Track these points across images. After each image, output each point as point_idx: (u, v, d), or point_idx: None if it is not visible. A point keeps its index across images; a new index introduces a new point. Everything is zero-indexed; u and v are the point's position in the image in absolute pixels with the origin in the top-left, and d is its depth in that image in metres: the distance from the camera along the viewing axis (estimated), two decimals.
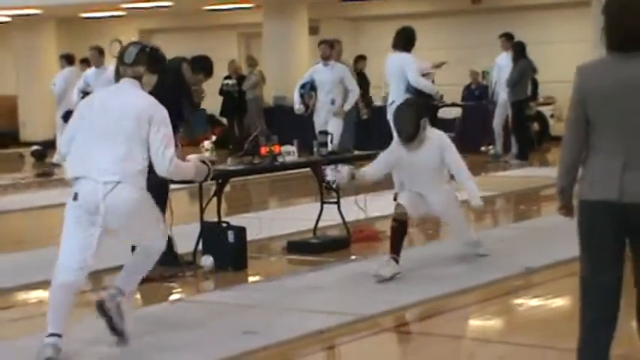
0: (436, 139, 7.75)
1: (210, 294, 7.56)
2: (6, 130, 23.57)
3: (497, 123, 16.76)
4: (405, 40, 11.51)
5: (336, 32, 21.78)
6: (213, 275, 8.07)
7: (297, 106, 12.73)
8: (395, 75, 11.47)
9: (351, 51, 20.39)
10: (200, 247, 8.33)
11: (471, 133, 17.10)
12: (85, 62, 19.63)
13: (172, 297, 7.56)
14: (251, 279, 8.08)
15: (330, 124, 12.16)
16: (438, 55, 20.65)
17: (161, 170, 5.74)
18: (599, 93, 4.12)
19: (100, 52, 16.05)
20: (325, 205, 9.23)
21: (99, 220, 5.60)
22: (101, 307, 5.86)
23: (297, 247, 8.98)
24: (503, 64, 16.33)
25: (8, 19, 22.86)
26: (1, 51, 24.48)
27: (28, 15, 22.27)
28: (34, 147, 20.30)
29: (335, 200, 9.10)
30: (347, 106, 12.65)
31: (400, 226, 7.57)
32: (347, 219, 9.22)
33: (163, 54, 6.09)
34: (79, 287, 5.77)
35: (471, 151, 17.05)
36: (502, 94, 16.41)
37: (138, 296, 7.75)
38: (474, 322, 6.70)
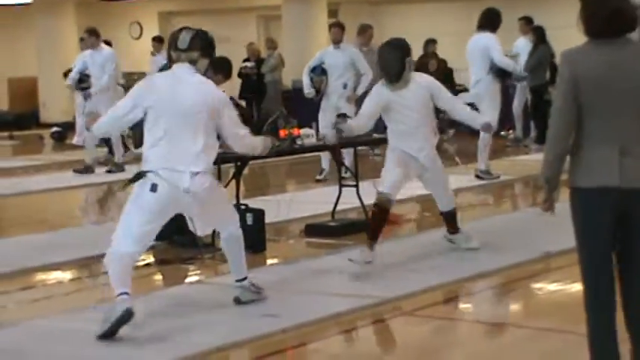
0: (424, 81, 7.56)
1: (228, 276, 7.51)
2: (26, 111, 23.65)
3: (516, 107, 16.71)
4: (491, 21, 11.71)
5: (355, 15, 21.74)
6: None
7: (307, 90, 12.47)
8: (479, 54, 11.88)
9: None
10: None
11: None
12: (106, 44, 19.68)
13: (191, 279, 7.57)
14: (269, 261, 8.07)
15: (343, 109, 11.54)
16: (457, 39, 20.64)
17: (240, 148, 6.29)
18: (592, 79, 4.06)
19: (96, 34, 15.97)
20: (344, 188, 9.21)
21: (177, 209, 6.01)
22: (239, 301, 6.32)
23: (316, 230, 8.96)
24: (522, 48, 16.24)
25: (30, 0, 22.90)
26: (22, 33, 24.52)
27: None
28: (54, 128, 20.34)
29: (354, 183, 9.07)
30: (360, 90, 12.11)
31: (381, 213, 7.34)
32: (365, 202, 9.18)
33: (212, 37, 6.19)
34: (137, 259, 6.13)
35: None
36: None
37: (157, 277, 7.79)
38: (493, 306, 6.68)
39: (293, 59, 19.87)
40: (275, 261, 8.10)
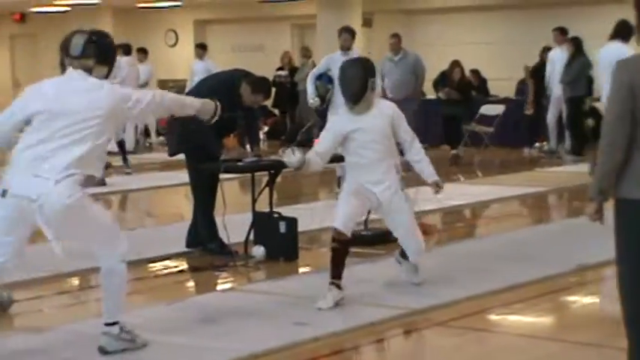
0: (387, 108, 6.94)
1: (261, 284, 7.55)
2: None
3: (550, 118, 16.60)
4: (626, 32, 11.53)
5: (389, 25, 21.71)
6: (264, 265, 8.06)
7: (311, 99, 11.81)
8: (608, 64, 11.47)
9: (404, 44, 20.29)
10: (252, 237, 8.34)
11: (511, 129, 17.02)
12: (142, 52, 19.81)
13: (223, 286, 7.57)
14: (301, 270, 8.06)
15: None
16: (491, 48, 20.58)
17: (166, 110, 5.72)
18: None
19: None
20: None
21: (33, 221, 5.19)
22: (104, 351, 5.51)
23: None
24: (556, 58, 16.14)
25: (68, 8, 23.08)
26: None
27: (87, 4, 22.46)
28: None
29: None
30: None
31: (342, 247, 6.76)
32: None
33: (112, 41, 5.60)
34: None
35: (512, 146, 16.99)
36: (556, 90, 16.23)
37: (190, 284, 7.80)
38: (525, 319, 6.62)
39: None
40: (307, 269, 8.09)
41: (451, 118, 15.99)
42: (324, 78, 11.16)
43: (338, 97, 10.76)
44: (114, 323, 5.49)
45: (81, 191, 5.21)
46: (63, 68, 5.45)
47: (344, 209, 6.81)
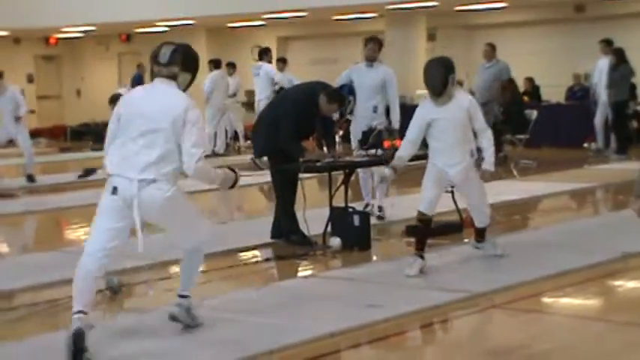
0: (465, 100, 7.22)
1: (338, 271, 7.57)
2: None
3: (598, 121, 16.37)
4: None
5: (451, 39, 21.60)
6: (340, 254, 8.08)
7: None
8: None
9: (465, 57, 20.15)
10: (329, 229, 8.36)
11: (545, 133, 16.67)
12: (231, 66, 19.97)
13: (304, 273, 7.61)
14: (374, 258, 8.06)
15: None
16: (544, 58, 20.33)
17: (188, 168, 5.23)
18: None
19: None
20: None
21: (132, 214, 5.19)
22: (175, 319, 5.60)
23: (415, 230, 8.89)
24: (603, 67, 15.93)
25: (167, 29, 23.36)
26: None
27: (183, 25, 22.71)
28: None
29: (450, 189, 9.00)
30: (395, 121, 9.56)
31: (425, 225, 7.22)
32: (460, 206, 9.10)
33: (196, 53, 5.62)
34: (100, 274, 5.29)
35: (545, 145, 16.63)
36: (602, 95, 16.02)
37: (274, 271, 7.85)
38: (576, 301, 6.55)
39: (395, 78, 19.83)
40: (379, 258, 8.08)
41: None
42: (344, 89, 9.51)
43: (359, 109, 9.55)
44: (186, 296, 5.59)
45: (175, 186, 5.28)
46: (152, 76, 5.48)
47: (427, 195, 7.23)
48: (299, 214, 8.38)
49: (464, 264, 7.47)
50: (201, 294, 6.70)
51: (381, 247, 8.48)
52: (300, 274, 7.62)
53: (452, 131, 7.13)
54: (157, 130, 5.20)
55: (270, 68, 17.15)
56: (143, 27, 23.43)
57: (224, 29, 24.29)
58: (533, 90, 18.99)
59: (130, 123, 5.27)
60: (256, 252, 8.33)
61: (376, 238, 8.57)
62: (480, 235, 7.67)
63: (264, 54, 17.55)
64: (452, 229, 8.90)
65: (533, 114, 15.78)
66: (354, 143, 9.61)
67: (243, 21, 23.10)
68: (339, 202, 8.52)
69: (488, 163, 7.25)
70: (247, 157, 14.62)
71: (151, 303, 6.58)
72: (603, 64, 15.96)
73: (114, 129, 5.37)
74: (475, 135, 7.26)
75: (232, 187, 5.63)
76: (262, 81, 16.94)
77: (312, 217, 8.32)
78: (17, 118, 13.56)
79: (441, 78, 7.06)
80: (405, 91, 18.37)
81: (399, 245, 8.67)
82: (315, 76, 12.38)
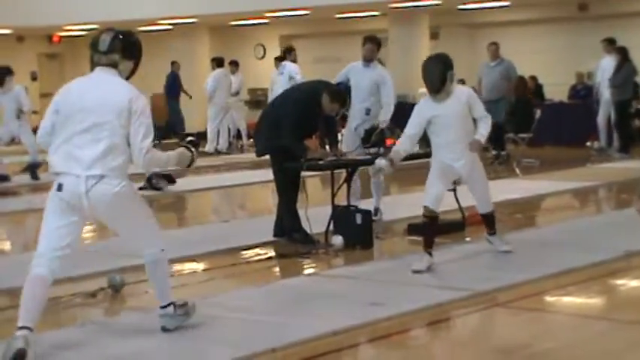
0: (463, 93, 7.26)
1: (340, 269, 7.57)
2: (165, 123, 24.12)
3: (601, 120, 16.36)
4: None
5: (454, 37, 21.58)
6: (343, 253, 8.08)
7: None
8: None
9: (468, 55, 20.14)
10: (331, 227, 8.36)
11: (548, 132, 16.61)
12: (234, 64, 19.97)
13: (307, 271, 7.60)
14: (376, 256, 8.05)
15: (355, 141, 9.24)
16: (547, 57, 20.31)
17: (137, 161, 5.07)
18: None
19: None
20: None
21: (81, 211, 5.04)
22: (166, 329, 5.48)
23: (418, 229, 8.88)
24: (606, 66, 15.91)
25: (170, 27, 23.38)
26: (163, 55, 25.02)
27: (186, 23, 22.73)
28: (189, 138, 20.63)
29: (452, 188, 8.98)
30: (381, 117, 9.30)
31: (432, 223, 7.26)
32: (462, 204, 9.10)
33: (138, 39, 5.37)
34: (52, 279, 5.09)
35: (548, 144, 16.57)
36: (605, 94, 16.00)
37: (277, 269, 7.85)
38: (578, 300, 6.54)
39: (397, 76, 19.70)
40: (382, 256, 8.07)
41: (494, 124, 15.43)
42: (340, 87, 9.09)
43: (352, 109, 9.38)
44: (168, 305, 5.47)
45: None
46: (92, 65, 5.26)
47: (432, 191, 7.25)
48: (301, 213, 8.37)
49: (466, 262, 7.46)
50: (203, 292, 6.71)
51: (384, 246, 8.47)
52: (302, 272, 7.61)
53: (453, 127, 7.19)
54: (100, 123, 5.01)
55: (293, 68, 17.02)
56: (146, 25, 23.43)
57: (227, 27, 24.28)
58: (537, 89, 18.97)
59: (71, 117, 5.07)
60: (259, 250, 8.32)
61: (378, 237, 8.56)
62: (491, 226, 7.73)
63: (287, 53, 17.51)
64: (454, 227, 8.88)
65: (537, 113, 15.75)
66: (344, 143, 9.36)
67: (246, 19, 23.09)
68: (341, 200, 8.51)
69: (480, 134, 7.25)
70: (250, 156, 14.61)
71: (153, 302, 6.56)
72: (606, 62, 15.95)
73: (52, 122, 5.14)
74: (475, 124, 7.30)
75: (189, 165, 5.48)
76: (284, 80, 16.88)
77: (315, 216, 8.31)
78: (19, 114, 13.55)
79: (439, 75, 7.09)
80: (408, 89, 18.39)
81: (401, 243, 8.67)
82: (318, 75, 12.34)
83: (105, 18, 22.02)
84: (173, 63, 21.69)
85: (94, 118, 5.02)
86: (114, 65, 5.18)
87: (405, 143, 7.33)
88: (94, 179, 4.99)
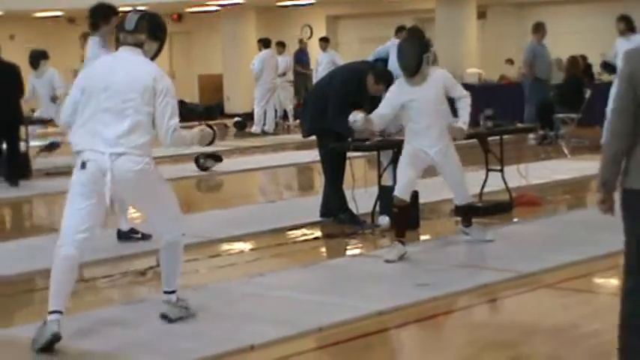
0: (439, 76, 7.02)
1: (386, 250, 7.56)
2: (213, 103, 24.25)
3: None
4: None
5: (501, 16, 21.36)
6: (389, 233, 8.06)
7: None
8: None
9: (516, 35, 19.93)
10: (378, 208, 8.35)
11: (598, 112, 16.32)
12: (280, 45, 19.98)
13: (353, 251, 7.61)
14: (423, 237, 8.03)
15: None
16: (596, 36, 20.02)
17: (164, 140, 5.06)
18: None
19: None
20: (490, 173, 9.06)
21: (102, 194, 4.99)
22: (167, 318, 5.37)
23: (464, 210, 8.85)
24: (620, 47, 15.56)
25: (218, 8, 23.45)
26: (210, 35, 25.11)
27: (234, 4, 22.78)
28: (236, 118, 20.77)
29: (499, 168, 8.93)
30: None
31: (402, 212, 7.03)
32: (510, 185, 9.04)
33: (164, 21, 5.37)
34: (80, 259, 5.10)
35: (598, 125, 16.30)
36: None
37: (324, 249, 7.87)
38: (617, 281, 6.47)
39: (445, 56, 19.66)
40: (428, 237, 8.06)
41: (545, 104, 15.31)
42: (378, 63, 9.35)
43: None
44: (173, 292, 5.40)
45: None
46: (118, 44, 5.25)
47: (402, 179, 7.03)
48: (347, 193, 8.37)
49: (514, 243, 7.41)
50: (250, 272, 6.76)
51: (430, 226, 8.44)
52: (348, 252, 7.63)
53: (428, 112, 6.93)
54: (125, 101, 4.99)
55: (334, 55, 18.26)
56: (194, 6, 23.51)
57: (273, 8, 24.27)
58: (586, 68, 18.71)
59: (95, 96, 5.04)
60: (305, 230, 8.35)
61: (425, 217, 8.53)
62: (466, 219, 7.49)
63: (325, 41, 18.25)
64: (502, 208, 8.83)
65: (587, 92, 15.53)
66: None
67: (293, 0, 23.07)
68: (387, 181, 8.49)
69: (461, 122, 7.02)
70: (297, 137, 14.63)
71: (202, 280, 6.63)
72: (622, 43, 15.59)
73: (76, 101, 5.12)
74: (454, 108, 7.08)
75: (211, 143, 5.44)
76: (328, 61, 17.67)
77: (361, 196, 8.31)
78: (53, 99, 13.68)
79: (414, 57, 6.86)
80: (455, 69, 18.25)
81: (448, 224, 8.63)
82: (365, 56, 12.30)
83: None
84: (300, 41, 21.96)
85: (119, 96, 5.01)
86: (139, 45, 5.17)
87: (380, 112, 7.03)
88: (117, 156, 4.96)
